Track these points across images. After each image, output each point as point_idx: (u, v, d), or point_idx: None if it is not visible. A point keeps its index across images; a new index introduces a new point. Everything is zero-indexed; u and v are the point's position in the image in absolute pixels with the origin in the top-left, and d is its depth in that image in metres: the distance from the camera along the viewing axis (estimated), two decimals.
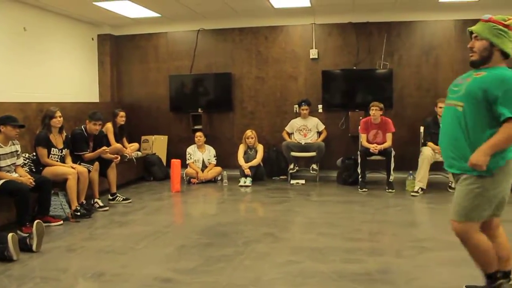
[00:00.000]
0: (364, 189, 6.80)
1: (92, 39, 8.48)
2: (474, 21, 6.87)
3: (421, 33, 7.95)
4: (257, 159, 7.50)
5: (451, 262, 3.72)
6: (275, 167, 7.94)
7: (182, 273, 3.53)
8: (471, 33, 2.81)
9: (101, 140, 6.15)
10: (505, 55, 2.72)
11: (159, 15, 7.80)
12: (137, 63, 8.79)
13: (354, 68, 8.07)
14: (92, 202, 5.77)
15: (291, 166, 7.63)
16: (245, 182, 7.29)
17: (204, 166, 7.68)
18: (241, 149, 7.62)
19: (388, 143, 6.94)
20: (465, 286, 3.10)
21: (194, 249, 4.13)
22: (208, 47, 8.48)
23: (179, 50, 8.58)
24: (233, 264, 3.69)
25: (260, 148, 7.63)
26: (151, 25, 8.52)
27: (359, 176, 6.98)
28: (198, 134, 7.74)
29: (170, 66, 8.63)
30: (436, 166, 7.02)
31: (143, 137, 8.43)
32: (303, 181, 7.49)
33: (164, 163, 8.15)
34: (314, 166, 7.66)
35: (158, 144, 8.35)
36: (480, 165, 2.60)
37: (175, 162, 6.92)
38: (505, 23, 2.70)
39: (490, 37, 2.69)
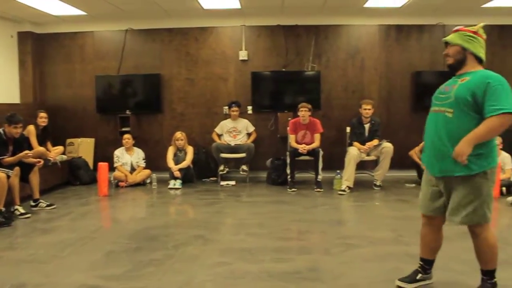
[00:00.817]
0: (293, 189, 6.94)
1: (12, 36, 8.05)
2: (397, 26, 7.34)
3: (348, 37, 8.24)
4: (187, 161, 7.45)
5: (376, 257, 3.90)
6: (205, 169, 7.92)
7: (110, 279, 3.44)
8: (446, 42, 3.07)
9: (22, 143, 5.81)
10: (479, 59, 3.00)
11: (84, 13, 7.56)
12: (61, 63, 8.44)
13: (283, 69, 8.22)
14: (12, 209, 5.46)
15: (221, 168, 7.65)
16: (174, 185, 7.22)
17: (132, 169, 7.53)
18: (171, 151, 7.54)
19: (316, 144, 7.12)
20: (398, 280, 3.26)
21: (122, 254, 4.04)
22: (137, 48, 8.31)
23: (106, 50, 8.35)
24: (163, 268, 3.65)
25: (190, 150, 7.59)
26: (76, 24, 8.22)
27: (288, 176, 7.12)
28: (126, 136, 7.57)
29: (97, 67, 8.36)
30: (362, 165, 7.30)
31: (68, 140, 8.12)
32: (233, 182, 7.53)
33: (91, 167, 7.90)
34: (244, 167, 7.72)
35: (84, 147, 8.07)
36: (462, 155, 2.76)
37: (103, 165, 6.72)
38: (473, 30, 2.99)
39: (461, 42, 2.97)
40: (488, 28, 8.30)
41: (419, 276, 3.24)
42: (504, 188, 6.55)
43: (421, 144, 6.86)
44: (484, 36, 3.04)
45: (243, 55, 8.22)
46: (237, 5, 7.32)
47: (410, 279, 3.23)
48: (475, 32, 2.99)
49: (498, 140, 6.77)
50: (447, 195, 2.98)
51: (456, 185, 2.90)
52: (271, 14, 8.03)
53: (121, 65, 8.29)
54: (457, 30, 3.04)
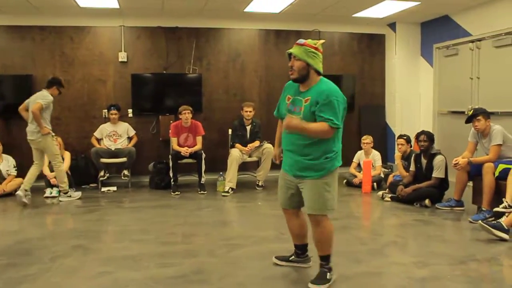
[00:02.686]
0: (176, 192, 6.90)
1: None
2: (276, 31, 7.59)
3: (228, 40, 8.37)
4: (65, 167, 7.04)
5: (260, 255, 4.04)
6: (84, 175, 7.56)
7: None
8: (290, 54, 3.32)
9: None
10: (318, 72, 3.29)
11: None
12: None
13: (164, 72, 8.12)
14: None
15: (102, 173, 7.37)
16: (51, 193, 6.79)
17: (2, 178, 6.95)
18: (46, 158, 7.07)
19: (198, 146, 7.14)
20: (275, 257, 3.83)
21: None
22: (4, 46, 7.67)
23: None
24: (38, 284, 3.42)
25: (67, 155, 7.19)
26: None
27: (171, 180, 7.06)
28: None
29: None
30: (244, 167, 7.45)
31: None
32: (114, 188, 7.28)
33: None
34: (126, 172, 7.50)
35: None
36: (292, 127, 3.13)
37: None
38: (315, 46, 3.28)
39: (306, 58, 3.24)
40: (358, 36, 8.99)
41: (292, 257, 3.77)
42: (375, 184, 7.08)
43: None
44: (322, 51, 3.33)
45: (122, 56, 7.98)
46: (115, 4, 7.09)
47: (284, 258, 3.79)
48: (316, 48, 3.28)
49: (369, 139, 7.33)
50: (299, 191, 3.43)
51: (307, 184, 3.31)
52: (151, 15, 7.90)
53: None
54: (301, 44, 3.27)
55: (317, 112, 3.14)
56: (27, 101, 6.43)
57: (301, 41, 3.29)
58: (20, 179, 7.03)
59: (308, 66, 3.24)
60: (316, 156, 3.23)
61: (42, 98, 6.24)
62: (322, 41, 3.37)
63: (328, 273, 3.35)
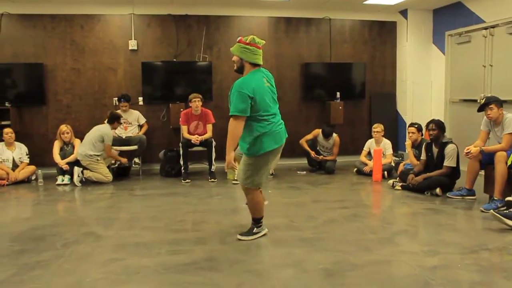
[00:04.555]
0: (187, 180, 6.92)
1: None
2: (287, 19, 7.61)
3: (238, 28, 8.33)
4: (75, 155, 7.07)
5: (271, 243, 4.06)
6: None
7: None
8: None
9: None
10: (254, 64, 3.93)
11: None
12: None
13: (174, 60, 8.12)
14: None
15: (113, 161, 7.40)
16: (63, 181, 6.85)
17: (15, 166, 7.02)
18: (57, 145, 7.12)
19: (209, 134, 7.16)
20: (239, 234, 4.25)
21: (5, 258, 3.75)
22: (15, 34, 7.70)
23: None
24: (51, 270, 3.46)
25: (77, 143, 7.22)
26: None
27: (182, 168, 7.08)
28: (7, 130, 7.03)
29: None
30: None
31: None
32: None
33: None
34: (136, 159, 7.55)
35: None
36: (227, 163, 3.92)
37: None
38: (247, 41, 3.88)
39: (239, 54, 3.92)
40: (369, 24, 8.93)
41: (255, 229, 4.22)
42: (385, 172, 7.05)
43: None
44: (260, 45, 3.91)
45: (132, 44, 7.99)
46: None
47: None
48: (248, 43, 3.88)
49: (379, 127, 7.30)
50: None
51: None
52: (161, 3, 7.89)
53: None
54: (237, 42, 3.92)
55: None
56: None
57: (238, 38, 3.93)
58: (32, 167, 7.12)
59: (242, 60, 3.93)
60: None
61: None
62: (251, 36, 3.92)
63: (255, 228, 4.16)
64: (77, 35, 7.89)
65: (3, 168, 6.86)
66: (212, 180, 6.97)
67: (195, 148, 7.17)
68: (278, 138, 3.96)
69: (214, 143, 7.06)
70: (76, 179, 6.79)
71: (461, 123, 7.80)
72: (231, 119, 3.84)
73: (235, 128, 3.83)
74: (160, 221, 4.81)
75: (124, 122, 7.65)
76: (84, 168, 6.86)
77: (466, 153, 5.39)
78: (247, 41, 3.87)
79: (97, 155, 6.82)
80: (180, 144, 7.15)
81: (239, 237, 4.11)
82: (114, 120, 7.08)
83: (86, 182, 6.90)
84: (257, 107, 3.85)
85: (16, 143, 7.16)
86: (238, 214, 5.22)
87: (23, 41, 7.73)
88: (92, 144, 6.82)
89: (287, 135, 4.16)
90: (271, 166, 4.18)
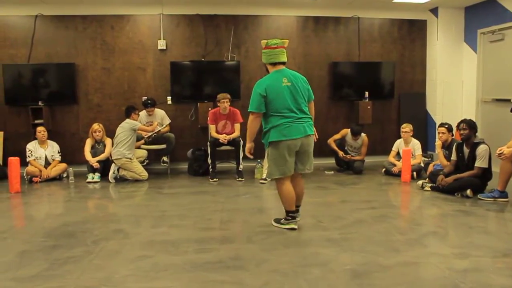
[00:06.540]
0: (214, 179, 6.96)
1: None
2: (314, 18, 7.58)
3: (266, 27, 8.33)
4: (105, 153, 7.21)
5: (297, 243, 4.05)
6: None
7: (23, 280, 3.26)
8: None
9: None
10: (273, 64, 4.36)
11: None
12: None
13: (203, 59, 8.18)
14: None
15: (145, 155, 7.50)
16: (93, 178, 6.99)
17: (47, 163, 7.19)
18: (88, 143, 7.26)
19: (237, 133, 7.18)
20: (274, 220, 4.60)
21: (37, 253, 3.85)
22: (48, 35, 7.89)
23: (14, 37, 7.82)
24: (81, 265, 3.54)
25: (108, 142, 7.35)
26: None
27: (210, 166, 7.12)
28: (40, 129, 7.20)
29: (3, 55, 7.81)
30: None
31: None
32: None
33: (1, 162, 7.45)
34: (165, 158, 7.63)
35: None
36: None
37: (13, 160, 6.34)
38: (263, 47, 4.38)
39: (262, 59, 4.44)
40: (398, 22, 8.81)
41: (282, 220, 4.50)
42: (414, 173, 6.95)
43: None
44: (273, 46, 4.31)
45: (161, 44, 8.08)
46: None
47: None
48: (264, 48, 4.38)
49: (408, 127, 7.21)
50: None
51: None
52: (190, 3, 7.95)
53: (31, 53, 7.84)
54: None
55: None
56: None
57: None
58: (64, 164, 7.28)
59: (264, 64, 4.45)
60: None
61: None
62: (264, 40, 4.41)
63: (283, 219, 4.46)
64: (107, 35, 8.03)
65: (36, 166, 7.03)
66: (240, 179, 7.00)
67: (222, 147, 7.21)
68: (287, 132, 4.21)
69: (241, 142, 7.07)
70: (111, 175, 6.93)
71: (493, 123, 7.63)
72: (249, 114, 4.36)
73: (251, 122, 4.39)
74: (188, 219, 4.85)
75: (150, 125, 7.59)
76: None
77: (499, 154, 5.27)
78: (264, 46, 4.38)
79: (131, 155, 6.93)
80: (208, 143, 7.20)
81: (272, 221, 4.59)
82: (130, 112, 7.18)
83: (117, 180, 7.02)
84: (272, 104, 4.23)
85: (49, 141, 7.33)
86: (265, 213, 5.22)
87: (56, 41, 7.91)
88: (125, 142, 6.91)
89: (310, 133, 4.37)
90: (291, 160, 4.33)
